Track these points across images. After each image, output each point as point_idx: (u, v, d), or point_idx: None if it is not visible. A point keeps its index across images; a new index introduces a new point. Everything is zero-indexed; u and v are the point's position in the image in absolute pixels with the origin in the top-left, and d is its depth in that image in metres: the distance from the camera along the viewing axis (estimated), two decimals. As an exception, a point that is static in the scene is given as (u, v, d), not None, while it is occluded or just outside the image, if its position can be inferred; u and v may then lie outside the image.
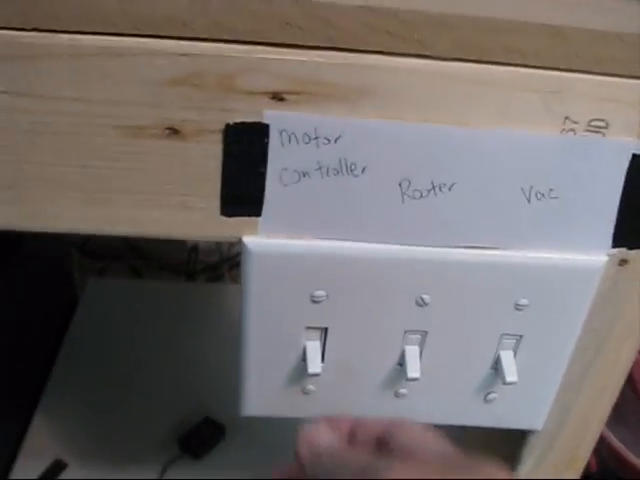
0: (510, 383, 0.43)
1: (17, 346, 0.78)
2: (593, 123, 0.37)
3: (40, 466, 0.75)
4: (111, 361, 0.86)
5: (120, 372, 0.85)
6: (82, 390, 0.83)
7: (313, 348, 0.42)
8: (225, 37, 0.34)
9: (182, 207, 0.38)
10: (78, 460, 0.76)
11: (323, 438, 0.37)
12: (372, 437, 0.37)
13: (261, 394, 0.44)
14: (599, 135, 0.37)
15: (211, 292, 0.95)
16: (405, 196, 0.38)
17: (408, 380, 0.42)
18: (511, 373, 0.43)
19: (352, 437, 0.37)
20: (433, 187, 0.38)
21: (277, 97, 0.35)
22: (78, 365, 0.85)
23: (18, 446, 0.77)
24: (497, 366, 0.44)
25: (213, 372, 0.83)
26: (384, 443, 0.36)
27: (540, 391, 0.46)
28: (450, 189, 0.38)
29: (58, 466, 0.76)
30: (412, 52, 0.35)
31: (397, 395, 0.45)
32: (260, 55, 0.34)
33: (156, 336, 0.89)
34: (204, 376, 0.84)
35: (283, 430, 0.70)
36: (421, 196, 0.38)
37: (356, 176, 0.37)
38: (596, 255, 0.41)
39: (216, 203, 0.38)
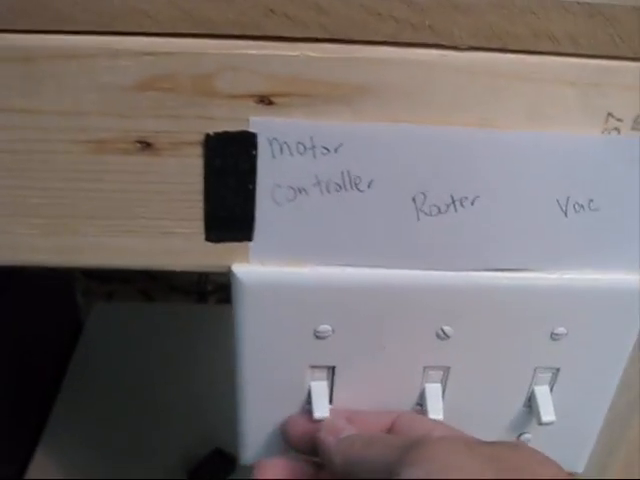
0: (547, 423, 0.37)
1: (19, 373, 0.74)
2: (640, 120, 0.31)
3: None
4: (117, 388, 0.82)
5: (127, 400, 0.80)
6: (87, 419, 0.79)
7: (319, 389, 0.36)
8: (198, 31, 0.28)
9: (160, 233, 0.33)
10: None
11: (349, 428, 0.35)
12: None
13: (262, 442, 0.39)
14: (648, 134, 0.31)
15: (223, 314, 0.89)
16: (420, 213, 0.32)
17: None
18: (547, 412, 0.37)
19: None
20: (453, 202, 0.32)
21: (264, 101, 0.30)
22: (83, 393, 0.81)
23: (21, 476, 0.73)
24: (531, 404, 0.38)
25: (225, 400, 0.78)
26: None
27: (581, 430, 0.40)
28: (473, 203, 0.32)
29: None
30: (423, 41, 0.29)
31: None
32: (241, 51, 0.29)
33: (165, 361, 0.85)
34: (215, 404, 0.78)
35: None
36: (439, 212, 0.32)
37: (362, 191, 0.31)
38: (643, 275, 0.34)
39: (199, 227, 0.33)
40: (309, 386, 0.37)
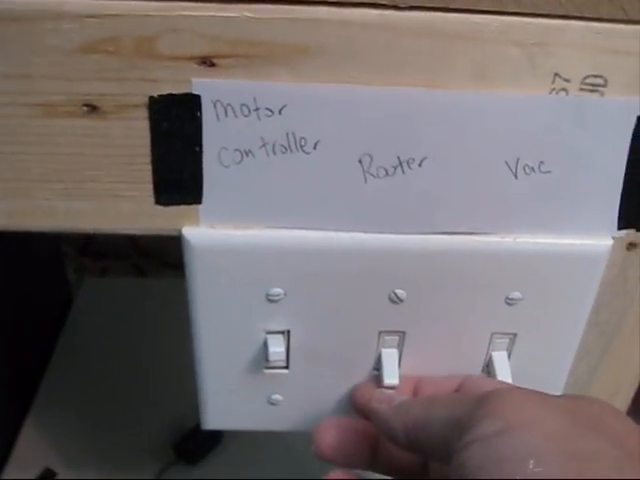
0: (505, 388, 0.37)
1: (6, 349, 0.74)
2: (588, 80, 0.31)
3: (29, 475, 0.71)
4: (106, 364, 0.82)
5: (115, 375, 0.80)
6: (74, 395, 0.79)
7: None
8: (138, -8, 0.28)
9: (110, 196, 0.33)
10: (69, 468, 0.72)
11: (400, 395, 0.34)
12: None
13: (222, 407, 0.39)
14: (596, 94, 0.31)
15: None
16: (367, 175, 0.32)
17: (386, 387, 0.36)
18: (505, 377, 0.37)
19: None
20: (400, 163, 0.32)
21: (207, 62, 0.30)
22: (71, 369, 0.81)
23: (7, 453, 0.73)
24: (489, 369, 0.37)
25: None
26: None
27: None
28: (420, 165, 0.32)
29: (48, 475, 0.71)
30: (363, 1, 0.29)
31: (376, 404, 0.39)
32: (181, 12, 0.29)
33: (155, 337, 0.85)
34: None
35: (281, 435, 0.66)
36: (386, 174, 0.32)
37: (307, 153, 0.31)
38: (599, 239, 0.35)
39: (149, 190, 0.33)
40: (267, 351, 0.36)
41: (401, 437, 0.32)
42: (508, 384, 0.35)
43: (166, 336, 0.82)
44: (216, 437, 0.74)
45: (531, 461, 0.25)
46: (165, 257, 1.01)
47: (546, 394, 0.29)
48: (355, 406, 0.38)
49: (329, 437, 0.36)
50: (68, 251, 0.94)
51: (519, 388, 0.30)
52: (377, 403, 0.34)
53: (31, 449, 0.74)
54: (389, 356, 0.37)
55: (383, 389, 0.36)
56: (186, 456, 0.73)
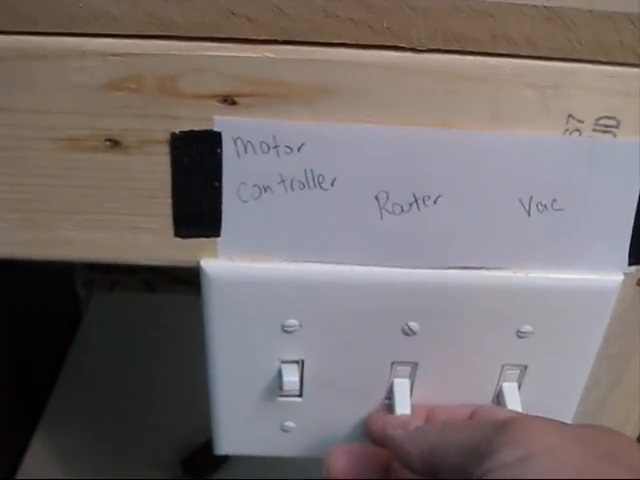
0: (515, 419, 0.37)
1: (16, 364, 0.74)
2: (602, 122, 0.32)
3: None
4: (114, 379, 0.82)
5: (123, 391, 0.81)
6: (83, 410, 0.80)
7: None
8: (162, 33, 0.29)
9: (130, 228, 0.34)
10: (77, 481, 0.72)
11: (415, 421, 0.35)
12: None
13: (235, 432, 0.40)
14: (609, 135, 0.32)
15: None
16: (383, 211, 0.33)
17: (397, 417, 0.37)
18: (515, 407, 0.37)
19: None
20: (415, 200, 0.32)
21: (228, 101, 0.31)
22: (80, 384, 0.82)
23: (15, 468, 0.74)
24: (499, 399, 0.38)
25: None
26: None
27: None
28: (435, 202, 0.32)
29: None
30: (382, 43, 0.30)
31: (387, 433, 0.39)
32: (204, 52, 0.30)
33: (164, 352, 0.85)
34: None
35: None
36: (402, 211, 0.33)
37: (325, 189, 0.32)
38: (610, 274, 0.35)
39: (168, 223, 0.34)
40: (282, 380, 0.37)
41: (416, 462, 0.32)
42: (523, 413, 0.35)
43: (175, 351, 0.83)
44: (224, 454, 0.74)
45: None
46: (174, 272, 1.02)
47: (564, 423, 0.30)
48: (369, 433, 0.38)
49: (341, 462, 0.36)
50: (77, 265, 0.95)
51: (537, 417, 0.30)
52: (392, 429, 0.34)
53: (39, 464, 0.75)
54: (401, 386, 0.37)
55: (398, 415, 0.37)
56: (194, 472, 0.74)
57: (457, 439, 0.30)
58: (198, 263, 0.34)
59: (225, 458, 0.74)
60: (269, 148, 0.31)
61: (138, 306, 0.92)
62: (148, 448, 0.75)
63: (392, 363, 0.37)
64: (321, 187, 0.32)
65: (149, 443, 0.76)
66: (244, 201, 0.32)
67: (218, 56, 0.30)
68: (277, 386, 0.37)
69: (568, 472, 0.26)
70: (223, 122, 0.31)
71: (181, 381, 0.79)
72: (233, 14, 0.29)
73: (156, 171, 0.32)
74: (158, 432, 0.77)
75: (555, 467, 0.26)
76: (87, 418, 0.78)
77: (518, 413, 0.36)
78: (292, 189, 0.32)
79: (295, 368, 0.37)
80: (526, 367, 0.38)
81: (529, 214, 0.33)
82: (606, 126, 0.32)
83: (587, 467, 0.26)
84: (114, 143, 0.32)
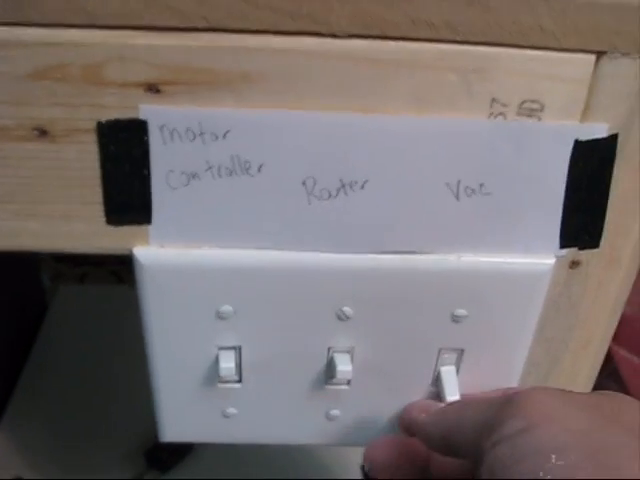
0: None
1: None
2: (526, 105, 0.32)
3: (-1, 484, 0.71)
4: (79, 372, 0.82)
5: (88, 384, 0.81)
6: (47, 403, 0.79)
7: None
8: (84, 22, 0.29)
9: (62, 217, 0.34)
10: (40, 476, 0.72)
11: (437, 404, 0.36)
12: None
13: (178, 420, 0.40)
14: (534, 119, 0.32)
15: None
16: (311, 197, 0.33)
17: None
18: (452, 392, 0.38)
19: None
20: (342, 186, 0.33)
21: (152, 89, 0.31)
22: (44, 377, 0.82)
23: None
24: (438, 383, 0.38)
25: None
26: None
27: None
28: (362, 187, 0.33)
29: (18, 484, 0.72)
30: (302, 30, 0.30)
31: (328, 417, 0.40)
32: (126, 41, 0.30)
33: (129, 345, 0.85)
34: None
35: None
36: (329, 196, 0.33)
37: (252, 176, 0.32)
38: (542, 257, 0.36)
39: (100, 211, 0.34)
40: (219, 366, 0.37)
41: (439, 442, 0.34)
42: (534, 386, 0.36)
43: (141, 344, 0.82)
44: (188, 445, 0.74)
45: (553, 456, 0.26)
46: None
47: (570, 392, 0.30)
48: (402, 423, 0.39)
49: (382, 454, 0.37)
50: (43, 257, 0.94)
51: (544, 388, 0.31)
52: (416, 413, 0.36)
53: (2, 457, 0.74)
54: (342, 369, 0.38)
55: (424, 400, 0.38)
56: (158, 464, 0.74)
57: (471, 416, 0.32)
58: (131, 251, 0.34)
59: (189, 449, 0.74)
60: (195, 135, 0.31)
61: (105, 298, 0.92)
62: (112, 440, 0.75)
63: (328, 348, 0.37)
64: (248, 173, 0.32)
65: (113, 435, 0.76)
66: (173, 188, 0.33)
67: (141, 44, 0.30)
68: (216, 373, 0.37)
69: (569, 439, 0.27)
70: (148, 110, 0.31)
71: (146, 374, 0.79)
72: (154, 2, 0.29)
73: (85, 160, 0.32)
74: (122, 424, 0.77)
75: (555, 435, 0.27)
76: (51, 411, 0.78)
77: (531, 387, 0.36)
78: (220, 176, 0.32)
79: (232, 354, 0.37)
80: (463, 351, 0.38)
81: (457, 198, 0.34)
82: (530, 110, 0.32)
83: (588, 431, 0.27)
84: (42, 132, 0.32)
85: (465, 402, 0.34)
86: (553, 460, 0.26)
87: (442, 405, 0.36)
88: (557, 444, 0.27)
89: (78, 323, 0.88)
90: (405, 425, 0.38)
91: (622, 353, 0.68)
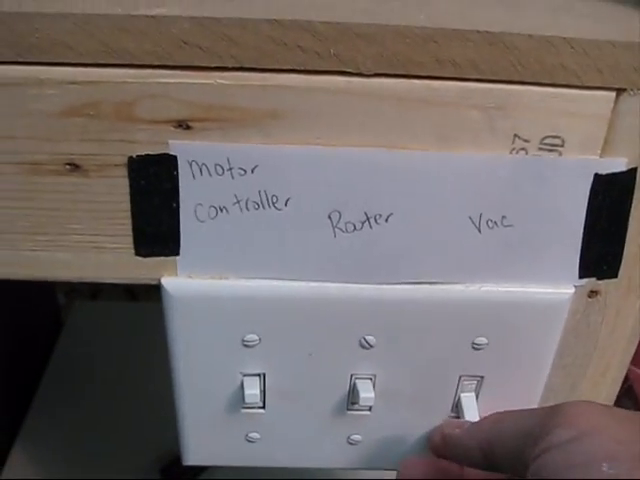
0: (473, 429, 0.38)
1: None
2: (547, 141, 0.33)
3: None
4: (95, 389, 0.83)
5: (104, 398, 0.81)
6: (63, 419, 0.80)
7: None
8: (117, 61, 0.30)
9: (92, 248, 0.35)
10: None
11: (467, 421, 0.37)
12: None
13: (202, 443, 0.41)
14: (555, 154, 0.33)
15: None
16: (337, 229, 0.34)
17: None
18: (473, 418, 0.38)
19: None
20: (367, 219, 0.33)
21: (182, 125, 0.32)
22: (60, 394, 0.82)
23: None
24: (458, 409, 0.39)
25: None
26: None
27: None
28: (387, 220, 0.33)
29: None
30: (329, 69, 0.31)
31: (350, 441, 0.40)
32: (158, 80, 0.31)
33: (145, 360, 0.85)
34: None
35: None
36: (354, 229, 0.34)
37: (279, 209, 0.33)
38: (562, 287, 0.36)
39: (129, 242, 0.35)
40: (243, 392, 0.38)
41: (477, 454, 0.34)
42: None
43: (156, 361, 0.83)
44: (204, 462, 0.74)
45: (604, 464, 0.27)
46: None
47: (611, 406, 0.32)
48: (431, 445, 0.40)
49: (417, 473, 0.38)
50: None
51: (585, 401, 0.32)
52: (449, 429, 0.37)
53: (19, 474, 0.75)
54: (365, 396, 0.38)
55: (451, 419, 0.39)
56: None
57: (511, 427, 0.33)
58: (159, 281, 0.35)
59: (204, 467, 0.74)
60: (223, 170, 0.32)
61: (120, 314, 0.92)
62: (128, 456, 0.76)
63: (351, 375, 0.38)
64: (275, 207, 0.33)
65: (129, 451, 0.76)
66: (201, 221, 0.33)
67: (172, 83, 0.31)
68: (240, 398, 0.38)
69: (618, 448, 0.28)
70: (178, 146, 0.32)
71: (162, 389, 0.80)
72: (185, 43, 0.30)
73: (116, 193, 0.33)
74: (138, 440, 0.77)
75: (605, 444, 0.28)
76: (67, 427, 0.79)
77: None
78: (247, 209, 0.33)
79: (256, 381, 0.38)
80: (483, 378, 0.39)
81: (479, 231, 0.34)
82: (552, 145, 0.33)
83: (636, 442, 0.28)
84: (74, 167, 0.33)
85: (501, 414, 0.35)
86: (605, 468, 0.27)
87: (474, 421, 0.37)
88: (608, 453, 0.28)
89: (93, 339, 0.89)
90: (437, 443, 0.39)
91: (638, 372, 0.68)
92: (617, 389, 0.42)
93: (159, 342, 0.81)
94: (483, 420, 0.36)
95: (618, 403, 0.43)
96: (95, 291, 1.01)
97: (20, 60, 0.30)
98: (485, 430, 0.34)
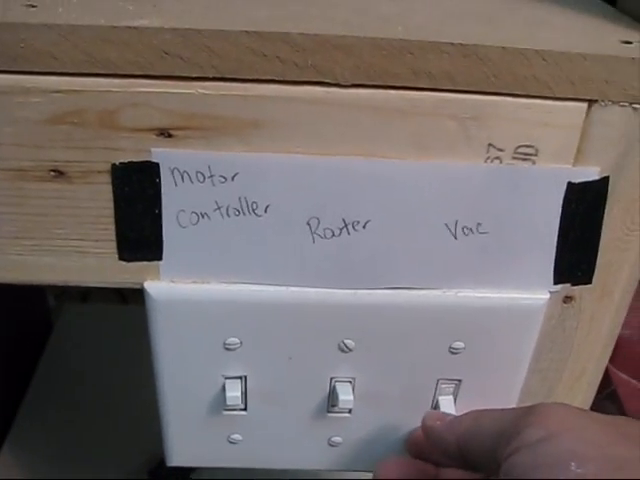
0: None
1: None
2: (521, 150, 0.33)
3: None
4: (85, 391, 0.83)
5: (93, 400, 0.82)
6: (52, 421, 0.80)
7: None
8: (100, 71, 0.31)
9: (76, 252, 0.35)
10: (46, 493, 0.73)
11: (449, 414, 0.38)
12: None
13: (185, 445, 0.41)
14: (529, 163, 0.34)
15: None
16: (315, 235, 0.34)
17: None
18: (450, 420, 0.39)
19: None
20: (345, 225, 0.34)
21: (164, 133, 0.32)
22: (50, 396, 0.83)
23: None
24: (436, 412, 0.40)
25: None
26: None
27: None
28: (365, 227, 0.34)
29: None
30: (308, 79, 0.31)
31: (330, 443, 0.41)
32: (140, 89, 0.31)
33: (134, 363, 0.86)
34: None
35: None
36: (333, 235, 0.34)
37: (259, 215, 0.34)
38: (537, 293, 0.37)
39: (113, 247, 0.35)
40: (225, 394, 0.39)
41: (453, 448, 0.35)
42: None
43: (145, 363, 0.83)
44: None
45: (572, 464, 0.28)
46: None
47: (585, 410, 0.32)
48: (410, 439, 0.41)
49: (393, 472, 0.38)
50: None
51: (559, 403, 0.32)
52: (430, 422, 0.37)
53: (7, 475, 0.75)
54: (344, 399, 0.39)
55: (438, 411, 0.40)
56: (161, 482, 0.75)
57: (488, 425, 0.33)
58: (142, 285, 0.36)
59: (192, 469, 0.75)
60: (205, 177, 0.33)
61: (110, 317, 0.93)
62: (117, 457, 0.76)
63: (331, 378, 0.39)
64: (255, 214, 0.34)
65: (118, 452, 0.77)
66: (183, 227, 0.34)
67: (153, 92, 0.32)
68: (222, 401, 0.39)
69: (587, 449, 0.28)
70: (160, 153, 0.32)
71: (151, 392, 0.80)
72: (167, 54, 0.31)
73: (99, 199, 0.34)
74: (127, 442, 0.78)
75: (574, 444, 0.29)
76: (56, 429, 0.79)
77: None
78: (228, 215, 0.34)
79: (238, 383, 0.38)
80: (460, 381, 0.39)
81: (455, 237, 0.35)
82: (525, 154, 0.34)
83: (605, 443, 0.29)
84: (59, 173, 0.33)
85: (480, 411, 0.35)
86: (573, 468, 0.28)
87: (456, 414, 0.37)
88: (576, 453, 0.28)
89: (83, 341, 0.89)
90: (417, 436, 0.40)
91: (622, 376, 0.69)
92: (593, 393, 0.43)
93: (148, 345, 0.82)
94: (464, 415, 0.36)
95: (601, 407, 0.44)
96: (85, 294, 1.01)
97: (6, 69, 0.31)
98: (463, 426, 0.35)
